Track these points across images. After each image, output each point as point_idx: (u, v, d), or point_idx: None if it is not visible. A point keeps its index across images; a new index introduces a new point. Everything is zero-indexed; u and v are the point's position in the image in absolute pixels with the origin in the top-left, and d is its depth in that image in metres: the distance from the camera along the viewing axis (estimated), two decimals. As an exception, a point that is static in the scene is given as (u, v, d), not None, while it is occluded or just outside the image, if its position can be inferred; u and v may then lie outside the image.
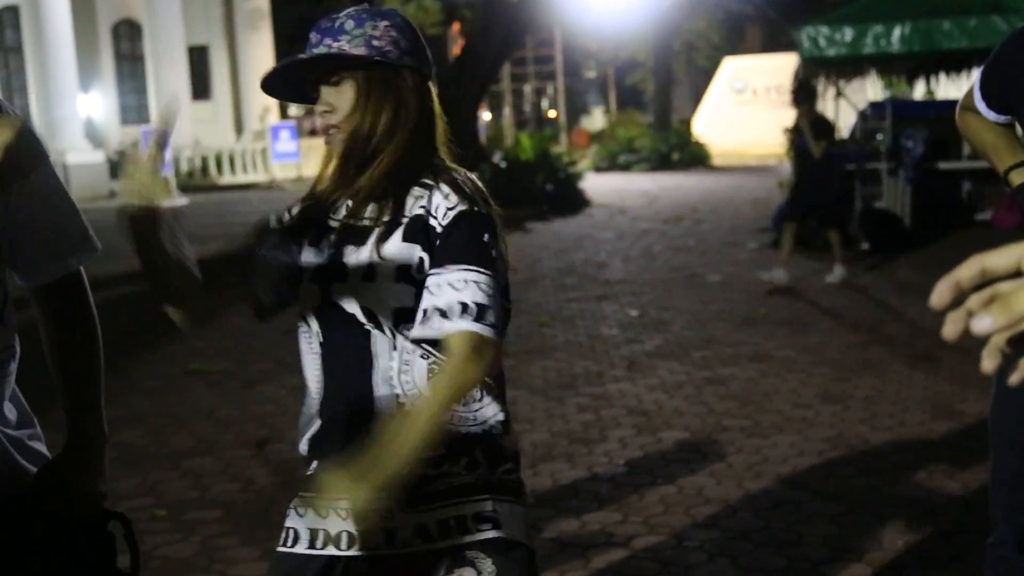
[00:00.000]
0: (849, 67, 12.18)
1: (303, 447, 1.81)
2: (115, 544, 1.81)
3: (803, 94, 8.84)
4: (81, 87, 24.45)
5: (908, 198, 10.98)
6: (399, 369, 1.68)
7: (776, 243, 10.91)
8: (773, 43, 30.34)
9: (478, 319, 1.57)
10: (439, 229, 1.64)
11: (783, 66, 22.53)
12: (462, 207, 1.65)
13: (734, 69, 31.84)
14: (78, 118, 23.69)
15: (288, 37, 31.36)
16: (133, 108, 28.37)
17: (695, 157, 26.08)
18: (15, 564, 1.67)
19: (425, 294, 1.62)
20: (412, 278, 1.65)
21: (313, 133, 32.19)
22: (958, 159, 10.85)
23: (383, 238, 1.67)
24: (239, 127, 30.05)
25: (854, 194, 10.80)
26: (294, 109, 41.01)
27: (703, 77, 34.53)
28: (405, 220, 1.67)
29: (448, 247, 1.63)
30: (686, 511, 3.88)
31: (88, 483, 1.75)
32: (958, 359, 5.87)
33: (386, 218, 1.69)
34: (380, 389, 1.69)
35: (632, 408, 5.28)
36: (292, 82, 1.74)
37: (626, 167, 25.13)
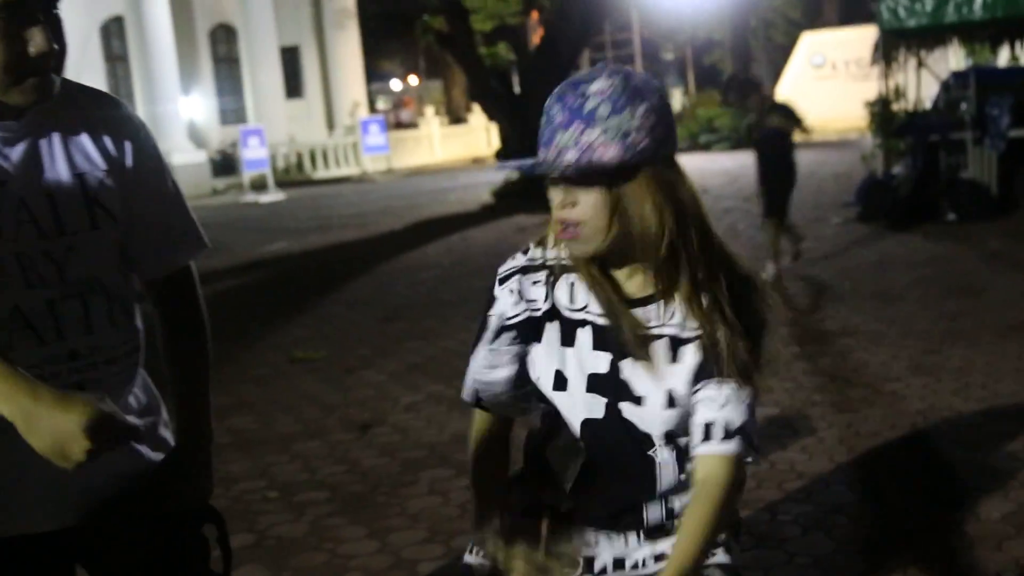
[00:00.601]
0: (930, 37, 11.81)
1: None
2: (208, 545, 1.80)
3: (745, 88, 8.36)
4: (182, 90, 25.04)
5: (994, 167, 10.62)
6: (675, 491, 1.61)
7: (861, 217, 10.67)
8: (851, 16, 29.60)
9: (746, 442, 1.53)
10: (721, 338, 1.52)
11: (862, 39, 21.95)
12: (753, 319, 1.55)
13: (812, 44, 31.09)
14: (180, 120, 24.29)
15: (373, 34, 31.67)
16: (231, 109, 28.93)
17: (776, 134, 25.58)
18: (122, 561, 1.72)
19: (704, 404, 1.53)
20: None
21: (399, 126, 32.46)
22: (1047, 126, 10.44)
23: (674, 357, 1.55)
24: (331, 123, 30.47)
25: (939, 166, 10.50)
26: (382, 103, 41.41)
27: (781, 53, 33.81)
28: (693, 335, 1.55)
29: (729, 357, 1.51)
30: (779, 486, 3.83)
31: (193, 483, 1.78)
32: (1051, 328, 5.69)
33: (671, 331, 1.55)
34: (651, 510, 1.63)
35: (721, 385, 5.22)
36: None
37: (706, 147, 24.79)
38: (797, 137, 7.94)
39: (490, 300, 1.64)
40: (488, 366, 1.63)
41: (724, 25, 29.71)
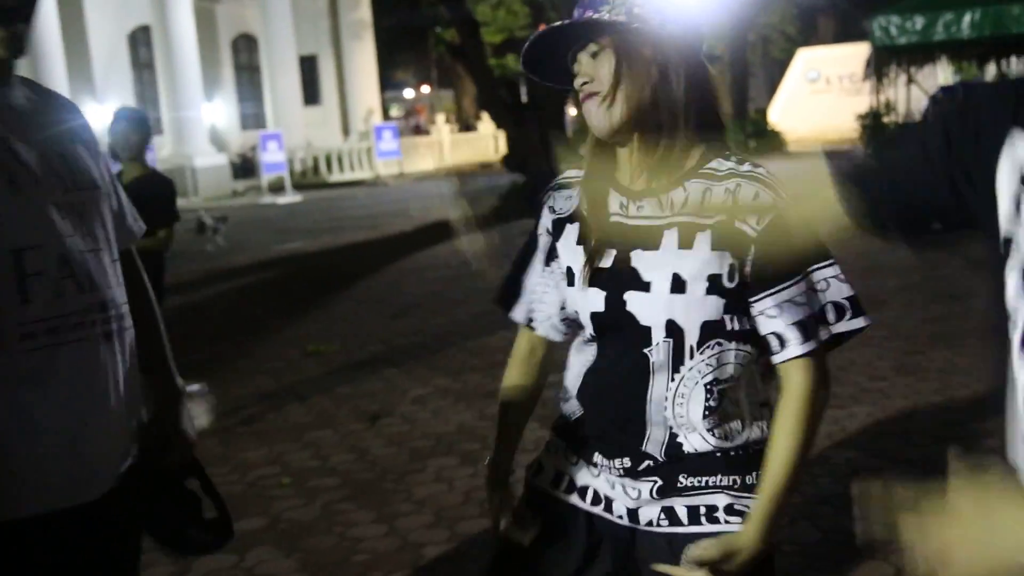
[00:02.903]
0: (920, 54, 11.84)
1: (557, 447, 1.66)
2: (197, 497, 1.83)
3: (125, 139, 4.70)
4: (205, 97, 25.07)
5: (979, 178, 10.60)
6: (674, 398, 1.48)
7: (851, 224, 10.66)
8: (845, 33, 29.57)
9: (812, 338, 1.43)
10: (752, 234, 1.43)
11: (855, 55, 21.91)
12: (776, 210, 1.43)
13: (808, 60, 31.09)
14: (203, 125, 24.32)
15: (387, 45, 31.71)
16: (251, 115, 29.00)
17: (772, 144, 25.57)
18: (126, 521, 1.71)
19: (764, 318, 1.44)
20: (722, 288, 1.44)
21: (418, 131, 32.48)
22: (1029, 139, 10.42)
23: (686, 243, 1.45)
24: (346, 129, 30.51)
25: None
26: (395, 111, 41.45)
27: (778, 68, 33.79)
28: (710, 223, 1.44)
29: (772, 261, 1.43)
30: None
31: (178, 430, 1.82)
32: (1031, 332, 5.68)
33: (684, 219, 1.46)
34: (652, 415, 1.49)
35: (715, 382, 5.22)
36: (554, 59, 1.53)
37: (705, 156, 24.77)
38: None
39: (537, 219, 1.63)
40: (543, 288, 1.61)
41: (723, 40, 29.63)
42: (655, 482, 1.52)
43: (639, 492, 1.53)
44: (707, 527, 1.50)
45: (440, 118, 32.30)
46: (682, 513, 1.52)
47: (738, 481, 1.51)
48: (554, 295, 1.61)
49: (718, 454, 1.50)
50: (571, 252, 1.54)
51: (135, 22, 24.59)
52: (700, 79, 1.48)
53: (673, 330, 1.44)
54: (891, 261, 8.52)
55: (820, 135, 27.82)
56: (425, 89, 44.06)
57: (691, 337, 1.44)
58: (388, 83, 38.96)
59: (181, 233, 5.69)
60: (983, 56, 13.32)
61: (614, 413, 1.52)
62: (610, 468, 1.55)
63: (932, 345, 5.66)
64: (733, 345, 1.47)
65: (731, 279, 1.43)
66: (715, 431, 1.49)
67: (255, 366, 6.24)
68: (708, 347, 1.45)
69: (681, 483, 1.51)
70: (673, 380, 1.46)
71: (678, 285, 1.43)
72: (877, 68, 11.63)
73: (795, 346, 1.43)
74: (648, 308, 1.45)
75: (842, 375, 5.18)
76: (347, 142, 28.55)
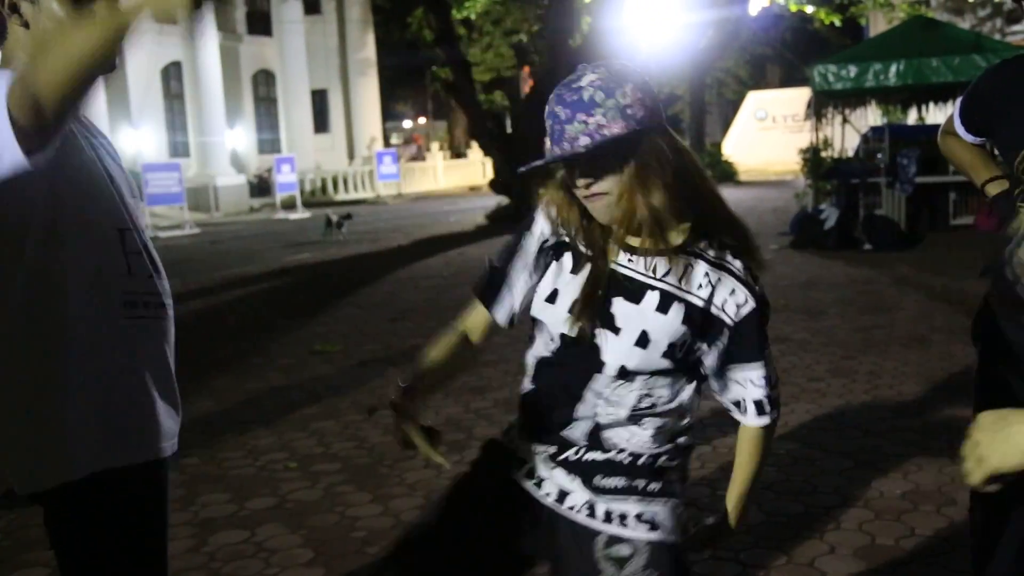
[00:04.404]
0: (853, 98, 11.96)
1: (518, 432, 1.63)
2: None
3: None
4: (228, 124, 24.95)
5: (903, 207, 10.73)
6: (607, 401, 1.50)
7: (794, 245, 10.72)
8: (790, 79, 29.84)
9: (772, 410, 1.58)
10: (730, 323, 1.48)
11: (798, 98, 22.12)
12: (751, 305, 1.49)
13: (757, 101, 31.30)
14: (225, 149, 24.21)
15: (389, 81, 31.68)
16: (268, 141, 28.86)
17: (725, 174, 25.67)
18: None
19: (734, 385, 1.55)
20: (674, 355, 1.47)
21: (416, 159, 32.40)
22: (945, 174, 10.55)
23: (663, 308, 1.46)
24: (351, 154, 30.44)
25: (859, 204, 10.59)
26: (395, 139, 41.36)
27: (731, 107, 34.01)
28: (687, 299, 1.46)
29: (744, 344, 1.50)
30: (719, 466, 3.83)
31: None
32: (946, 340, 5.71)
33: (666, 287, 1.47)
34: (581, 411, 1.51)
35: (673, 381, 5.21)
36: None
37: (666, 183, 24.85)
38: None
39: (530, 224, 1.58)
40: (522, 286, 1.58)
41: (684, 82, 29.80)
42: (575, 478, 1.54)
43: (569, 480, 1.55)
44: (616, 529, 1.52)
45: (435, 146, 32.29)
46: (600, 512, 1.53)
47: (643, 486, 1.53)
48: (523, 296, 1.59)
49: (628, 459, 1.53)
50: (564, 278, 1.51)
51: (168, 58, 24.44)
52: (682, 159, 1.46)
53: (624, 372, 1.48)
54: (828, 277, 8.56)
55: (766, 166, 28.03)
56: (422, 120, 44.01)
57: (636, 378, 1.49)
58: (389, 114, 38.87)
59: (313, 227, 5.85)
60: (906, 101, 13.50)
61: (554, 402, 1.53)
62: (544, 452, 1.56)
63: (863, 351, 5.68)
64: (664, 385, 1.51)
65: (683, 349, 1.48)
66: (637, 428, 1.51)
67: (268, 363, 6.19)
68: (644, 378, 1.49)
69: (598, 484, 1.53)
70: (607, 389, 1.49)
71: (643, 341, 1.45)
72: (816, 109, 11.71)
73: (753, 418, 1.58)
74: (612, 349, 1.46)
75: (784, 376, 5.19)
76: (352, 166, 28.47)
